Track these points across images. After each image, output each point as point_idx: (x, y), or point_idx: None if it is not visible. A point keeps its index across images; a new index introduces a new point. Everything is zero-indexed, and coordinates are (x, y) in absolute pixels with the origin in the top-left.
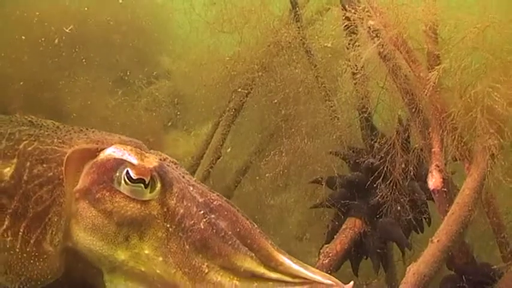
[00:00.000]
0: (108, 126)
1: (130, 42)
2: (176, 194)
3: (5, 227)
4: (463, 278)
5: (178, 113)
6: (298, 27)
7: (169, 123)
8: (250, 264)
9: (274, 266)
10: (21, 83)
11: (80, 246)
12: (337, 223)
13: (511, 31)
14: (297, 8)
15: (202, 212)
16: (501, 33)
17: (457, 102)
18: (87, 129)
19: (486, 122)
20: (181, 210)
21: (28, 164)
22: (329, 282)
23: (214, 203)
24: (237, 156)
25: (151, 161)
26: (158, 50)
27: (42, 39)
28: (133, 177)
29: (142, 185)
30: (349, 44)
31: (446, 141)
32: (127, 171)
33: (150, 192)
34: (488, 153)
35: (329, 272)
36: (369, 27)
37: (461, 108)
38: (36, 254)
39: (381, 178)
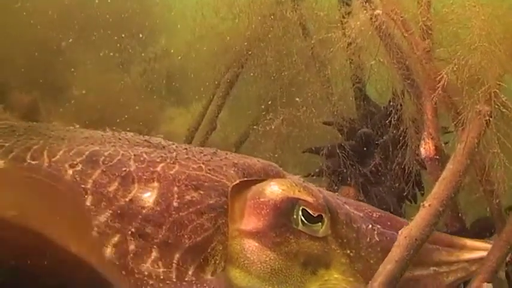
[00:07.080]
0: (105, 104)
1: (127, 19)
2: (344, 221)
3: (153, 257)
4: None
5: (175, 89)
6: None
7: (166, 100)
8: (439, 255)
9: (460, 248)
10: (18, 62)
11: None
12: (331, 192)
13: None
14: None
15: (370, 226)
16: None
17: (449, 72)
18: (218, 150)
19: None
20: (354, 234)
21: (176, 189)
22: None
23: (374, 215)
24: (234, 127)
25: (318, 194)
26: (156, 27)
27: (40, 19)
28: (314, 216)
29: (319, 223)
30: (343, 15)
31: (439, 110)
32: (303, 210)
33: (323, 227)
34: (481, 120)
35: None
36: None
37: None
38: (198, 284)
39: (375, 147)
